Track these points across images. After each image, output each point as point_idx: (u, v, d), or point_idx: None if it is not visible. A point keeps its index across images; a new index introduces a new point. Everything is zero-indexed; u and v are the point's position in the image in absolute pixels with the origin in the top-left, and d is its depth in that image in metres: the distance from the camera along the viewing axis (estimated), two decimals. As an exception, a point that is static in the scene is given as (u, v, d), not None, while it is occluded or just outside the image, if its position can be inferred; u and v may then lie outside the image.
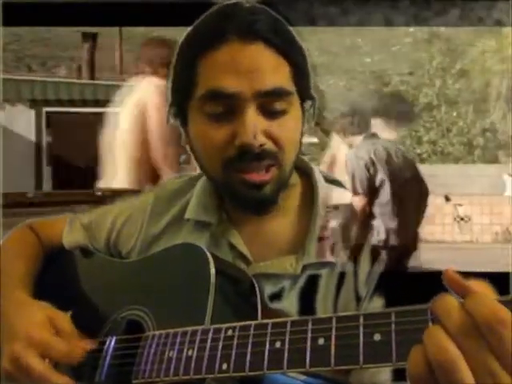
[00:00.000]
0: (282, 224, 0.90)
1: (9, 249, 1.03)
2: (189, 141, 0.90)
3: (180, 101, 0.88)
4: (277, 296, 0.84)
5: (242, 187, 0.84)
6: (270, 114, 0.82)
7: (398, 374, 0.65)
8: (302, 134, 0.88)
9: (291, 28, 0.87)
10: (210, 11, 0.86)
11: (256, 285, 0.82)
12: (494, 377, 0.49)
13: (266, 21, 0.83)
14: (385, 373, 0.77)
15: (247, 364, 0.64)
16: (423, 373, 0.51)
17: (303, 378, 0.75)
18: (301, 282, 0.85)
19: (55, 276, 1.03)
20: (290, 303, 0.83)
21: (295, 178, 0.92)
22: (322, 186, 0.91)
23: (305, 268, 0.85)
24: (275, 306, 0.83)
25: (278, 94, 0.82)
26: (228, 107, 0.82)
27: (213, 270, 0.78)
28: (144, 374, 0.76)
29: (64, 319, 0.86)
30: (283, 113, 0.83)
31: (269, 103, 0.82)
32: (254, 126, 0.80)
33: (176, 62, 0.88)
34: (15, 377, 0.82)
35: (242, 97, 0.80)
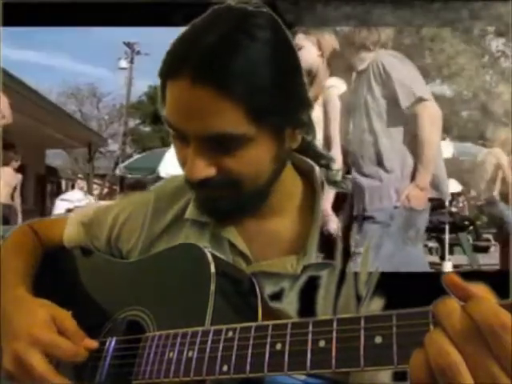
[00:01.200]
0: (282, 224, 0.90)
1: (9, 248, 1.03)
2: None
3: None
4: (277, 296, 0.84)
5: (201, 198, 0.87)
6: (220, 148, 0.79)
7: (398, 375, 0.65)
8: (277, 157, 0.84)
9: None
10: (195, 21, 0.82)
11: (256, 285, 0.82)
12: (495, 380, 0.49)
13: (228, 59, 0.76)
14: (385, 373, 0.77)
15: (248, 366, 0.64)
16: (425, 377, 0.51)
17: (303, 377, 0.75)
18: (301, 282, 0.85)
19: (55, 276, 1.03)
20: (290, 303, 0.83)
21: (296, 178, 0.92)
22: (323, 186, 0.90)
23: (305, 268, 0.85)
24: (275, 305, 0.83)
25: (225, 137, 0.78)
26: (181, 136, 0.81)
27: (213, 270, 0.78)
28: (144, 375, 0.75)
29: (67, 317, 0.85)
30: (238, 147, 0.79)
31: (216, 143, 0.79)
32: (197, 160, 0.80)
33: None
34: (16, 376, 0.81)
35: (186, 134, 0.80)
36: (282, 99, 0.80)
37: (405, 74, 2.70)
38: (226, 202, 0.84)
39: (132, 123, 25.78)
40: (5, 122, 6.28)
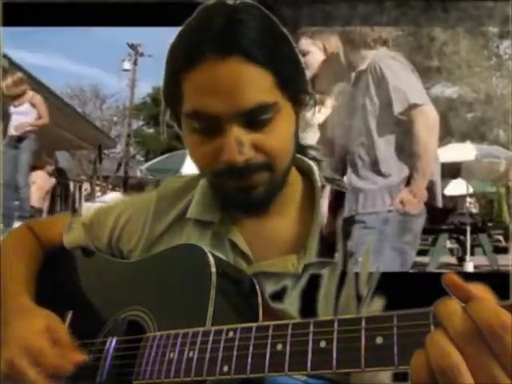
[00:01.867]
0: (283, 223, 0.90)
1: (9, 251, 1.03)
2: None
3: (172, 108, 0.88)
4: (278, 295, 0.84)
5: (233, 191, 0.85)
6: (255, 125, 0.80)
7: (399, 375, 0.65)
8: (296, 134, 0.87)
9: (277, 27, 0.85)
10: (191, 18, 0.84)
11: (257, 285, 0.82)
12: (495, 380, 0.49)
13: (244, 29, 0.79)
14: (385, 374, 0.77)
15: (248, 366, 0.64)
16: (426, 377, 0.51)
17: (304, 378, 0.75)
18: (302, 281, 0.85)
19: (56, 276, 1.03)
20: (291, 303, 0.83)
21: (296, 177, 0.93)
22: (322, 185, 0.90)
23: (306, 267, 0.85)
24: (276, 305, 0.83)
25: (260, 109, 0.79)
26: (213, 124, 0.81)
27: (214, 271, 0.78)
28: (145, 375, 0.75)
29: (62, 329, 0.86)
30: (270, 120, 0.81)
31: (252, 117, 0.80)
32: (238, 142, 0.79)
33: (164, 70, 0.86)
34: (12, 379, 0.82)
35: (224, 116, 0.79)
36: (294, 71, 0.85)
37: (401, 78, 2.66)
38: (262, 188, 0.84)
39: (135, 125, 25.81)
40: (42, 121, 6.18)
